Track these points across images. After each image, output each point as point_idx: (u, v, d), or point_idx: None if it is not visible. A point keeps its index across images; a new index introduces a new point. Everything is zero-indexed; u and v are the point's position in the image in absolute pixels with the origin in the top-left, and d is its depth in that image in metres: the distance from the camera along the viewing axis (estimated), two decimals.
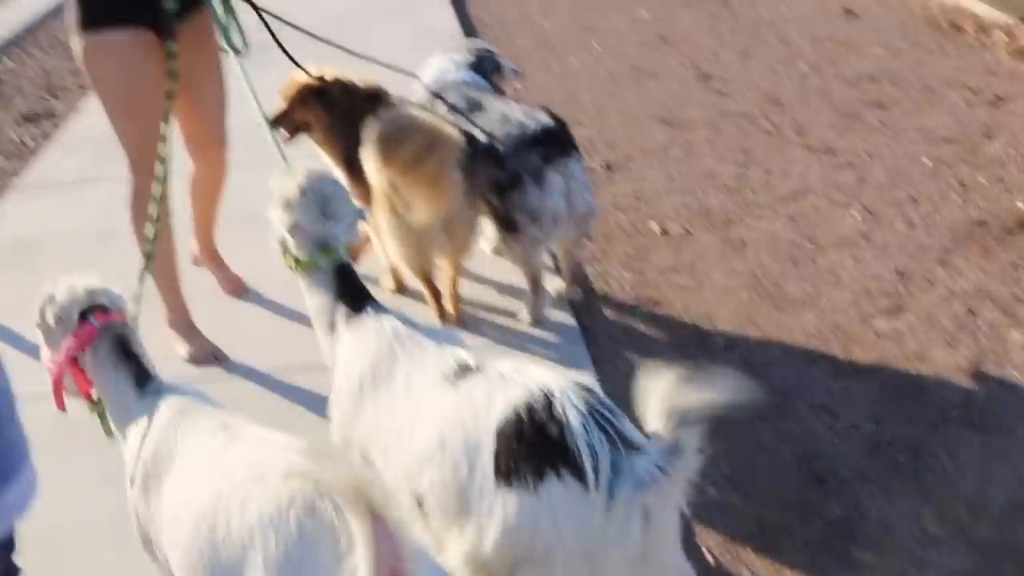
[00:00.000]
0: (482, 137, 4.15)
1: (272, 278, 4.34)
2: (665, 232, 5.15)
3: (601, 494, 2.09)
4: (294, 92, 4.45)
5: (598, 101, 7.05)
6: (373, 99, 4.37)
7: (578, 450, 2.11)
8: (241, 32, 4.17)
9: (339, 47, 4.41)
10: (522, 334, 4.27)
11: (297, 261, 2.81)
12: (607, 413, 2.18)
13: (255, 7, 4.19)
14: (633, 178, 5.80)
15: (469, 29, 9.00)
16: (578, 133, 5.77)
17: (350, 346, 2.70)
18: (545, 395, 2.20)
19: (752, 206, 5.37)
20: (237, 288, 4.75)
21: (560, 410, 2.16)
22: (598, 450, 2.11)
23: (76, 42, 3.81)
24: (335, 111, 4.45)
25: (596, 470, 2.09)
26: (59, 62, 9.10)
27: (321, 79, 4.48)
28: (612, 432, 2.15)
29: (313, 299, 2.83)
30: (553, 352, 4.13)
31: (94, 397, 2.50)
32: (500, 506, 2.18)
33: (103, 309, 2.51)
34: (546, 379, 2.26)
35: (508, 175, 4.07)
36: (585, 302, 4.55)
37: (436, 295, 4.33)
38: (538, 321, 4.33)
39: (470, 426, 2.28)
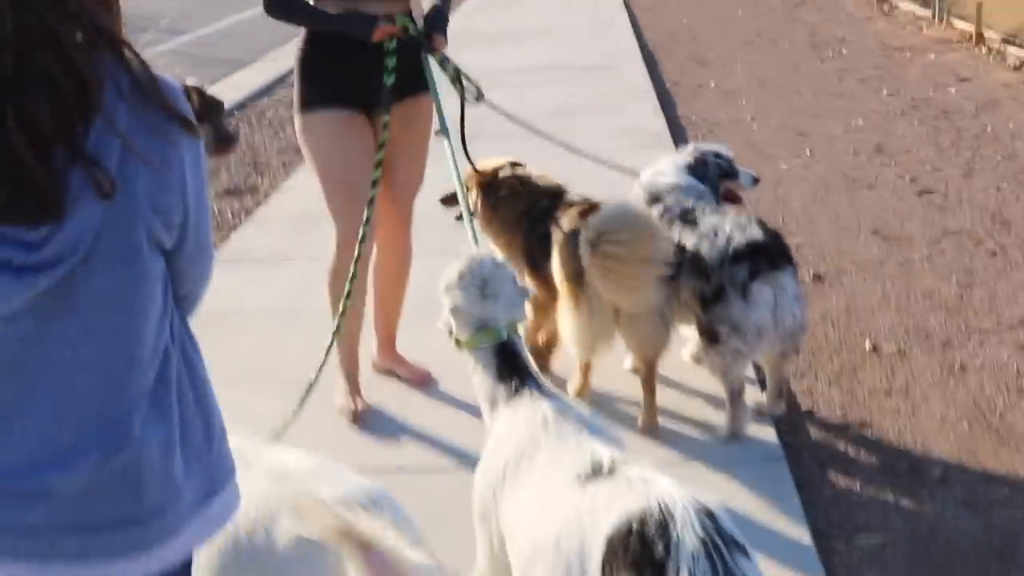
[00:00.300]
0: (690, 247, 4.02)
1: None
2: (877, 351, 4.84)
3: None
4: (469, 183, 4.44)
5: (808, 208, 6.78)
6: (553, 196, 4.35)
7: None
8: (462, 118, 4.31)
9: (552, 139, 4.34)
10: (719, 450, 4.02)
11: (458, 341, 2.96)
12: (723, 545, 2.08)
13: (460, 90, 4.32)
14: (845, 292, 5.50)
15: (677, 129, 8.86)
16: (789, 241, 5.57)
17: (504, 425, 2.78)
18: (663, 511, 2.15)
19: (975, 330, 5.00)
20: (423, 380, 4.62)
21: (673, 531, 2.10)
22: None
23: (296, 119, 4.26)
24: (506, 204, 4.44)
25: None
26: (265, 139, 9.33)
27: (495, 173, 4.45)
28: (721, 568, 2.05)
29: (476, 377, 2.93)
30: (751, 471, 3.86)
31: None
32: None
33: None
34: (672, 494, 2.20)
35: (712, 287, 3.97)
36: (789, 419, 4.27)
37: (586, 376, 4.34)
38: (737, 437, 4.07)
39: (586, 530, 2.28)
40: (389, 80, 4.07)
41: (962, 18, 13.17)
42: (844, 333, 5.02)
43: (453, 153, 4.09)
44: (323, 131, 4.17)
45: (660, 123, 8.93)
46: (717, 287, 3.94)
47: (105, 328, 1.74)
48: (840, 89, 10.36)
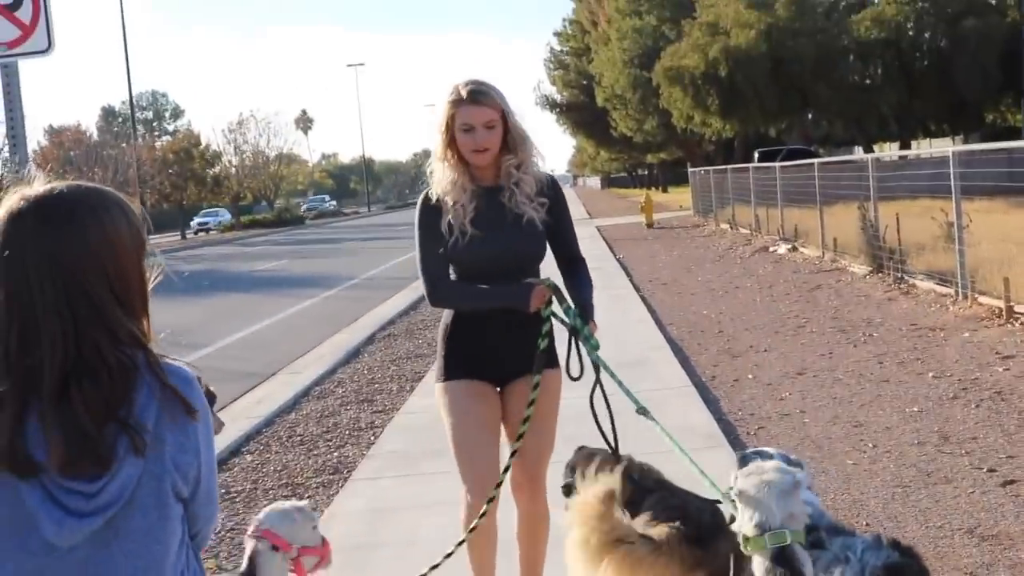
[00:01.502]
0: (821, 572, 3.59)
1: None
2: None
3: None
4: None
5: (890, 509, 6.38)
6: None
7: None
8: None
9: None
10: None
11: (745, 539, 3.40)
12: None
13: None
14: None
15: (726, 427, 8.54)
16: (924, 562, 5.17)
17: None
18: None
19: None
20: None
21: None
22: None
23: (436, 387, 4.81)
24: None
25: None
26: (299, 458, 8.99)
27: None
28: None
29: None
30: None
31: None
32: None
33: None
34: None
35: None
36: None
37: None
38: None
39: None
40: (543, 344, 4.58)
41: (984, 293, 13.12)
42: None
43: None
44: (455, 399, 4.69)
45: (708, 421, 8.63)
46: None
47: (141, 556, 2.33)
48: (882, 374, 10.11)
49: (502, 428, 4.80)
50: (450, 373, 4.72)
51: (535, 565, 4.93)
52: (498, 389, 4.77)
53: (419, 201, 4.78)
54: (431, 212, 4.68)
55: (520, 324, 4.61)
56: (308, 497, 7.81)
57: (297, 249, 48.26)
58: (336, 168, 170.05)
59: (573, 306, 4.73)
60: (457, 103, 4.54)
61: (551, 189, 4.73)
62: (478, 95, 4.53)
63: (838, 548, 3.66)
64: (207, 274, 35.42)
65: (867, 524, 6.14)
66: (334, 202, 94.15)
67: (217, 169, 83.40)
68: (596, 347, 4.67)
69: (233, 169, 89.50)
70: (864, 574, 3.53)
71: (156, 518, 2.32)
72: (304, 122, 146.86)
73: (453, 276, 4.71)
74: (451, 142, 4.60)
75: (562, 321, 4.70)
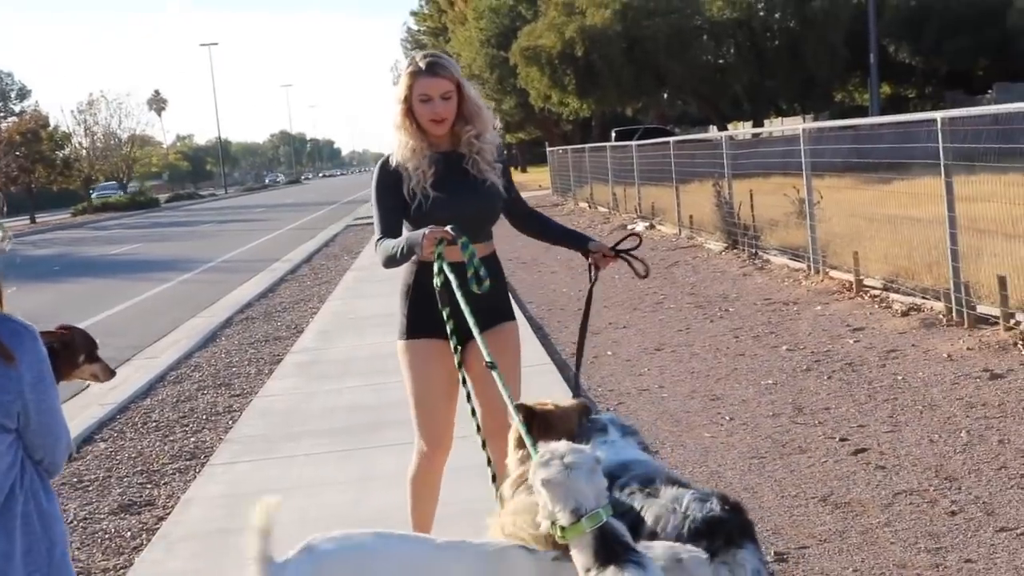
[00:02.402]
0: (650, 521, 3.69)
1: None
2: None
3: None
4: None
5: (746, 480, 6.49)
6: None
7: None
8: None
9: None
10: None
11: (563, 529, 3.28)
12: None
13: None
14: (812, 570, 5.15)
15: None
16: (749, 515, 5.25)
17: None
18: None
19: None
20: None
21: None
22: None
23: (399, 343, 5.05)
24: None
25: None
26: (155, 444, 8.78)
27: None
28: None
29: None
30: None
31: None
32: None
33: None
34: None
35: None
36: None
37: None
38: None
39: None
40: (441, 264, 4.53)
41: (835, 267, 13.46)
42: None
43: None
44: (416, 357, 4.97)
45: (567, 398, 8.65)
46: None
47: None
48: (737, 348, 10.30)
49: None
50: (411, 332, 5.00)
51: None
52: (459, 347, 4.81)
53: (377, 167, 5.07)
54: (388, 177, 4.97)
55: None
56: (164, 484, 7.64)
57: (152, 232, 47.21)
58: (191, 150, 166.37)
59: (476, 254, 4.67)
60: (416, 74, 4.85)
61: (502, 155, 5.13)
62: (435, 67, 4.86)
63: (668, 499, 3.70)
64: (58, 259, 34.45)
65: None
66: (121, 191, 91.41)
67: (67, 151, 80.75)
68: (485, 288, 4.64)
69: (84, 151, 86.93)
70: (684, 526, 3.59)
71: None
72: (157, 103, 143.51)
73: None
74: (409, 111, 4.89)
75: (449, 266, 4.56)
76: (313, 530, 4.95)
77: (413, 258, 4.81)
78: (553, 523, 3.30)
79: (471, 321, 4.36)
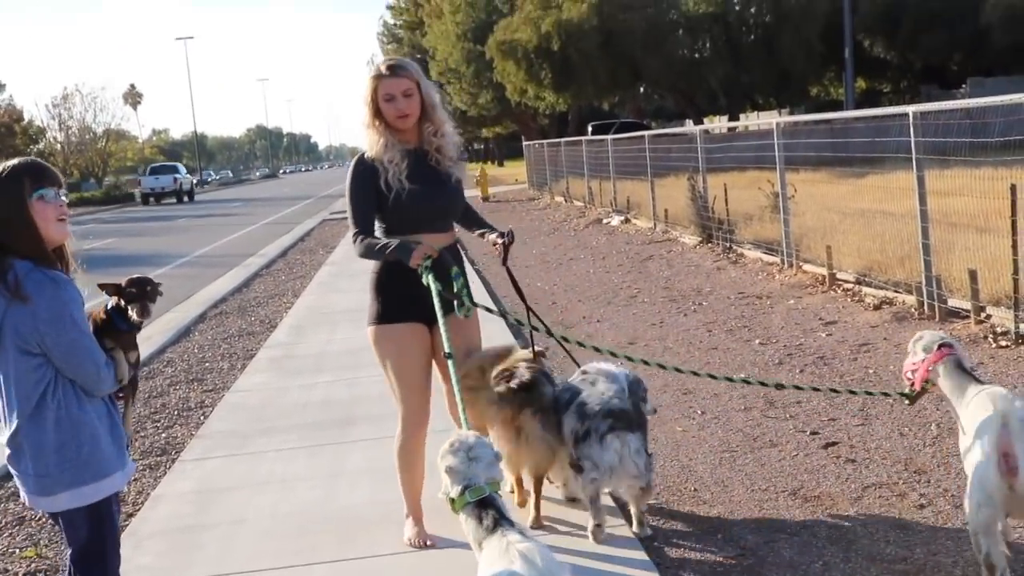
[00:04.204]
0: (581, 398, 5.55)
1: None
2: None
3: None
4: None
5: (717, 474, 6.50)
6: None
7: None
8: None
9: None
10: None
11: (452, 501, 4.09)
12: None
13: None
14: (782, 563, 5.15)
15: None
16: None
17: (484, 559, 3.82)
18: None
19: None
20: None
21: None
22: None
23: (369, 331, 5.58)
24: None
25: None
26: None
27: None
28: None
29: (465, 525, 4.05)
30: None
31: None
32: None
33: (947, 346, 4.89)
34: None
35: (583, 430, 5.41)
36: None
37: (520, 488, 6.00)
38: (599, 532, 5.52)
39: None
40: (427, 278, 5.27)
41: (809, 261, 13.49)
42: None
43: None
44: (390, 340, 5.50)
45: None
46: (586, 431, 5.38)
47: (10, 374, 3.92)
48: (711, 342, 10.32)
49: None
50: (385, 316, 5.50)
51: None
52: (428, 329, 5.52)
53: (352, 163, 5.56)
54: (364, 171, 5.46)
55: (442, 271, 5.38)
56: (134, 480, 7.59)
57: (126, 227, 46.94)
58: (167, 144, 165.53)
59: (463, 273, 5.57)
60: (379, 77, 5.39)
61: (462, 153, 5.66)
62: (396, 68, 5.41)
63: (599, 389, 5.55)
64: None
65: (695, 489, 6.25)
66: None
67: (41, 145, 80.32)
68: (468, 313, 5.47)
69: (58, 145, 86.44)
70: (600, 408, 5.40)
71: (14, 359, 3.89)
72: (133, 97, 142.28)
73: (392, 225, 5.48)
74: (377, 111, 5.42)
75: (434, 279, 5.31)
76: (283, 526, 4.91)
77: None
78: (450, 499, 4.08)
79: (438, 309, 5.24)
